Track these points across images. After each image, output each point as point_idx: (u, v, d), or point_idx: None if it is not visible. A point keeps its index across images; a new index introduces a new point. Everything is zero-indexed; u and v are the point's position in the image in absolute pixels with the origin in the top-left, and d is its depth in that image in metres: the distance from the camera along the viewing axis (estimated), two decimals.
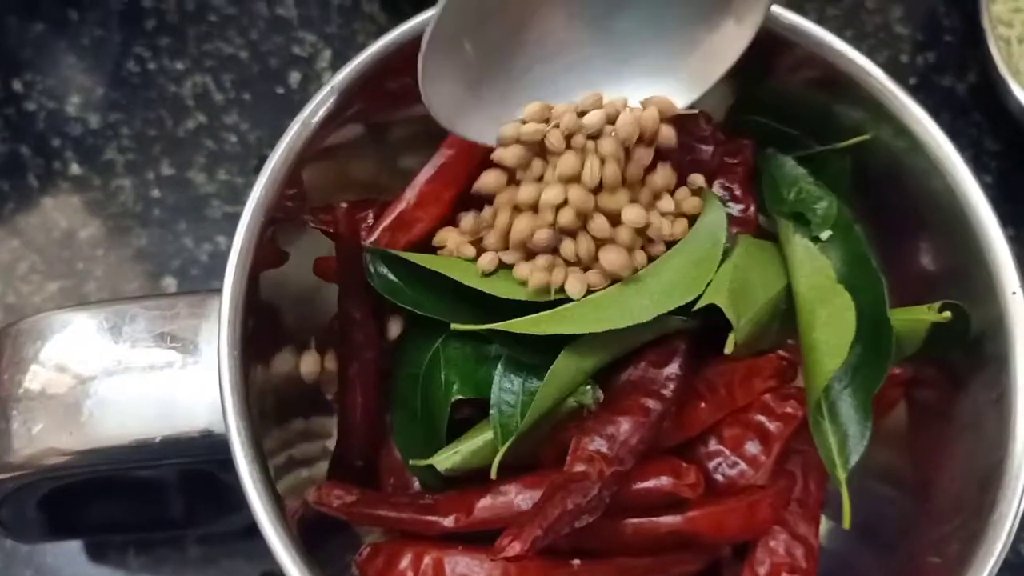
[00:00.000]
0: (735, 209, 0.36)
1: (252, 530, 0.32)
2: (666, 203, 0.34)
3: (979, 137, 0.58)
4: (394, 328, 0.36)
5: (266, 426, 0.36)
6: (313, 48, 0.57)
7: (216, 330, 0.30)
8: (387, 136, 0.41)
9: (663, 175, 0.34)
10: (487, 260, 0.33)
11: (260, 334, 0.36)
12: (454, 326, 0.33)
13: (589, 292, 0.33)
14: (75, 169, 0.55)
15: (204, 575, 0.49)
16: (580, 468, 0.31)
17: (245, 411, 0.30)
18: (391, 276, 0.35)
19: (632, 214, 0.32)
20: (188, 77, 0.56)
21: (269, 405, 0.37)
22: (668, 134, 0.33)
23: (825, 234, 0.36)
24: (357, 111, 0.38)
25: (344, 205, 0.33)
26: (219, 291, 0.31)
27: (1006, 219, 0.55)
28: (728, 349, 0.31)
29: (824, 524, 0.40)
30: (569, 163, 0.32)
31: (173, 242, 0.54)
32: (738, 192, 0.36)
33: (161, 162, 0.55)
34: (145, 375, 0.31)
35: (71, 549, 0.48)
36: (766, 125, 0.38)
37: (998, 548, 0.30)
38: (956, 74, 0.59)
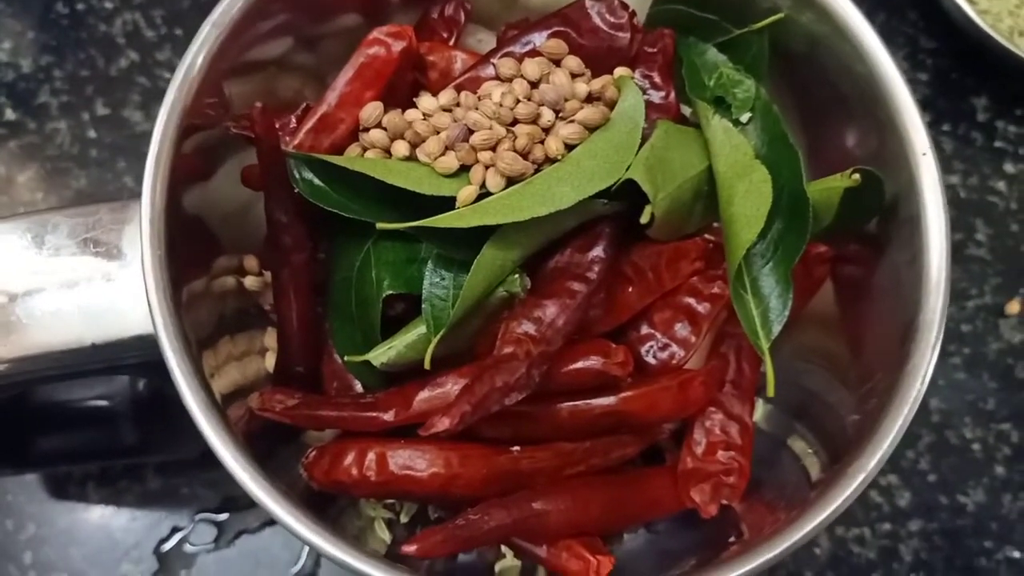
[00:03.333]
0: (656, 96, 0.37)
1: (209, 457, 0.33)
2: (579, 87, 0.34)
3: (915, 36, 0.58)
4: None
5: (208, 340, 0.36)
6: None
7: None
8: (317, 50, 0.41)
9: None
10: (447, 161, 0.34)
11: (194, 245, 0.36)
12: (380, 225, 0.34)
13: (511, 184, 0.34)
14: (9, 115, 0.54)
15: (165, 505, 0.49)
16: (508, 350, 0.32)
17: (172, 308, 0.30)
18: (316, 180, 0.35)
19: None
20: (118, 16, 0.56)
21: (209, 320, 0.37)
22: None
23: (745, 116, 0.36)
24: (282, 23, 0.38)
25: (259, 105, 0.33)
26: (140, 197, 0.31)
27: (942, 115, 0.57)
28: (644, 219, 0.32)
29: (761, 408, 0.41)
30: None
31: (113, 181, 0.53)
32: (658, 80, 0.37)
33: (95, 102, 0.54)
34: (72, 282, 0.31)
35: (31, 486, 0.49)
36: (685, 13, 0.39)
37: (912, 395, 0.31)
38: None
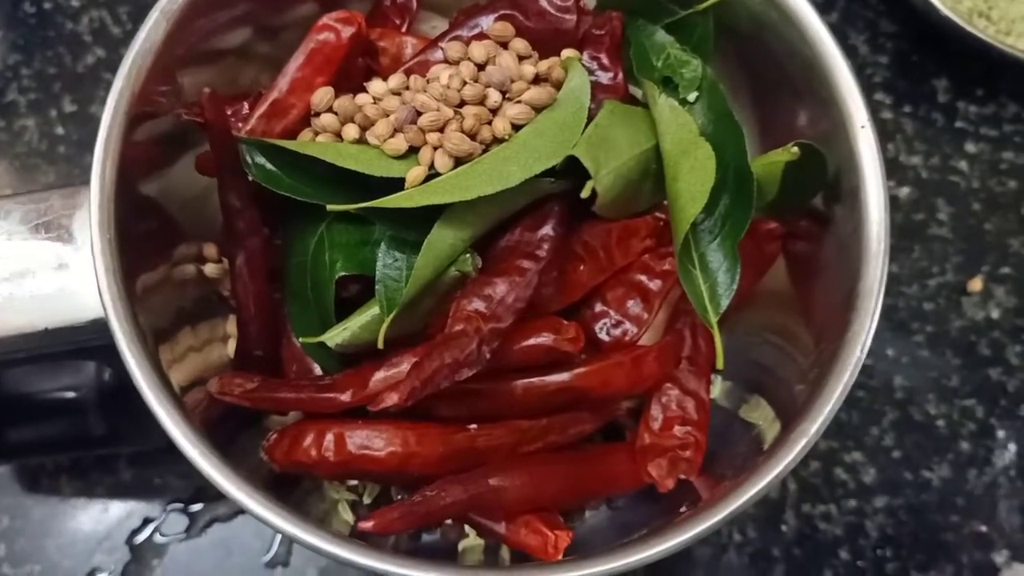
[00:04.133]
0: (604, 77, 0.37)
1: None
2: (526, 69, 0.34)
3: (875, 19, 0.59)
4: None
5: (168, 329, 0.37)
6: None
7: None
8: (276, 40, 0.41)
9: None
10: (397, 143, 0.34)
11: (151, 232, 0.37)
12: (331, 207, 0.34)
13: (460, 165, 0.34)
14: None
15: (138, 494, 0.50)
16: (459, 327, 0.33)
17: (124, 292, 0.31)
18: (268, 165, 0.35)
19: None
20: (84, 13, 0.56)
21: (169, 308, 0.38)
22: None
23: (692, 95, 0.37)
24: (239, 12, 0.38)
25: (207, 91, 0.33)
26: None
27: (903, 97, 0.58)
28: (584, 193, 0.32)
29: (719, 385, 0.42)
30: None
31: (81, 176, 0.54)
32: (606, 61, 0.37)
33: (63, 99, 0.55)
34: (25, 267, 0.32)
35: (4, 479, 0.49)
36: None
37: (852, 360, 0.31)
38: None
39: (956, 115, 0.57)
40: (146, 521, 0.49)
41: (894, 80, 0.58)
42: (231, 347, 0.41)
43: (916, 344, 0.54)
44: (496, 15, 0.36)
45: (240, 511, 0.50)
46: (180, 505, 0.50)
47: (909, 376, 0.53)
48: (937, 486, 0.52)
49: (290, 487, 0.40)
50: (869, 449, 0.52)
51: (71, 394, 0.45)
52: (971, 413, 0.53)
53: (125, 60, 0.33)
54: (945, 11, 0.53)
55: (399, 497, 0.41)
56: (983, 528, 0.51)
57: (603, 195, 0.33)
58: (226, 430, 0.37)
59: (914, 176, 0.56)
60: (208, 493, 0.50)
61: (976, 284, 0.54)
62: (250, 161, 0.35)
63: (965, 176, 0.56)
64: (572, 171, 0.34)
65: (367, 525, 0.34)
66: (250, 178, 0.35)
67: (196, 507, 0.50)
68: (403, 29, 0.40)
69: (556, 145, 0.34)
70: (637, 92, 0.39)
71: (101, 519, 0.49)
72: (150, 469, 0.50)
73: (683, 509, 0.34)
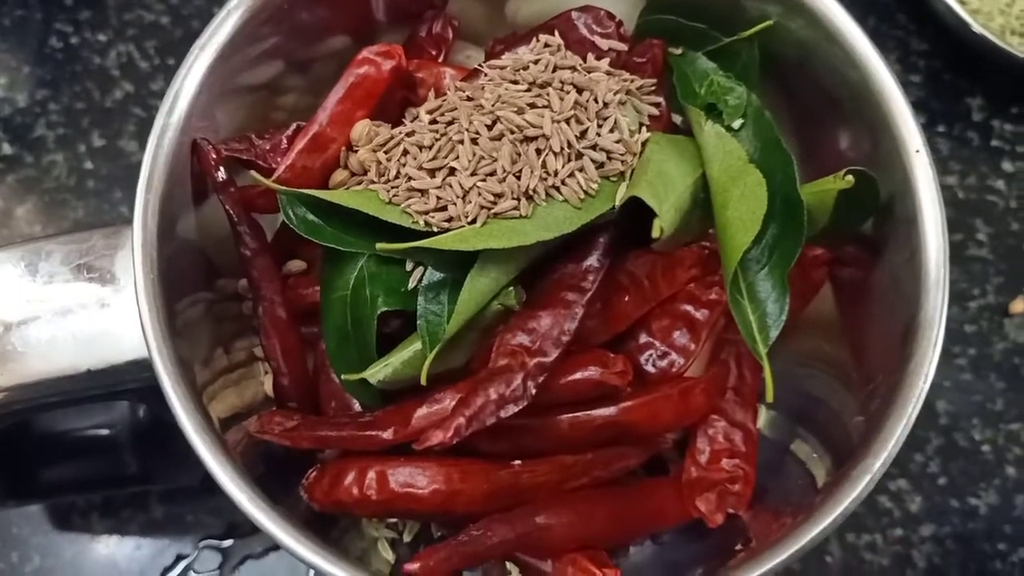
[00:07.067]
0: None
1: (212, 484, 0.32)
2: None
3: (906, 39, 0.58)
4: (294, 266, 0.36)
5: (205, 365, 0.36)
6: None
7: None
8: (307, 73, 0.41)
9: None
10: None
11: (190, 270, 0.36)
12: (380, 246, 0.33)
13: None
14: (6, 149, 0.54)
15: (170, 532, 0.49)
16: (503, 362, 0.32)
17: (167, 332, 0.30)
18: (309, 216, 0.34)
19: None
20: (112, 48, 0.56)
21: (206, 344, 0.37)
22: None
23: (737, 123, 0.36)
24: (272, 47, 0.38)
25: (196, 139, 0.33)
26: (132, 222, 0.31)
27: (936, 116, 0.57)
28: (655, 234, 0.32)
29: (764, 414, 0.41)
30: None
31: (110, 211, 0.54)
32: None
33: (91, 134, 0.55)
34: (67, 309, 0.31)
35: (35, 518, 0.49)
36: (674, 22, 0.39)
37: (915, 394, 0.30)
38: None
39: (991, 134, 0.57)
40: (179, 558, 0.49)
41: (927, 99, 0.57)
42: (267, 384, 0.40)
43: (958, 368, 0.52)
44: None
45: (273, 548, 0.49)
46: (213, 542, 0.49)
47: (952, 401, 0.52)
48: (984, 513, 0.51)
49: (329, 523, 0.39)
50: (914, 476, 0.51)
51: (104, 432, 0.44)
52: (1016, 438, 0.52)
53: (165, 99, 0.33)
54: (978, 28, 0.53)
55: (439, 534, 0.40)
56: None
57: (667, 231, 0.32)
58: (265, 466, 0.37)
59: (950, 196, 0.55)
60: (241, 530, 0.49)
61: (1018, 305, 0.53)
62: (291, 214, 0.34)
63: (1003, 195, 0.56)
64: (623, 205, 0.33)
65: (413, 567, 0.33)
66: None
67: (227, 543, 0.49)
68: (439, 59, 0.39)
69: (609, 187, 0.33)
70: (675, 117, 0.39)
71: (133, 557, 0.49)
72: (182, 506, 0.49)
73: (737, 547, 0.33)
